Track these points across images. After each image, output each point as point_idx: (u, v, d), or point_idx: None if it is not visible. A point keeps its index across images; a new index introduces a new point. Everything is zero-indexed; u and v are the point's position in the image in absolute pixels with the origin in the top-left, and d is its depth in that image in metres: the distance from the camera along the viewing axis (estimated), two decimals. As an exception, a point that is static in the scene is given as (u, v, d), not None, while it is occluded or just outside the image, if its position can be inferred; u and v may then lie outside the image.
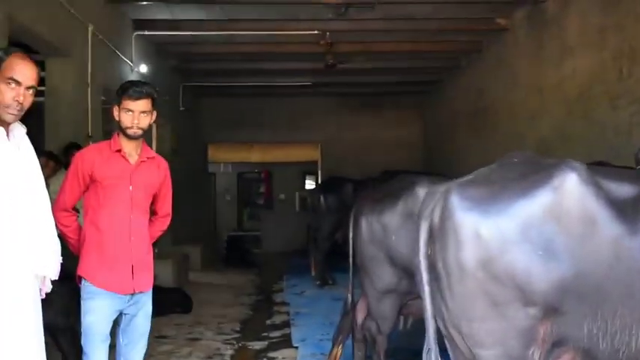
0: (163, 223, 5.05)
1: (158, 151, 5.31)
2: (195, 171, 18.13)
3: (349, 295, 6.33)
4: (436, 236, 3.70)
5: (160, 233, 5.07)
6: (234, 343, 8.45)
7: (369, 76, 16.85)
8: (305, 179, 23.16)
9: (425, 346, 3.78)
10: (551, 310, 3.49)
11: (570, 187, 3.52)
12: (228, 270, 15.80)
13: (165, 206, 5.00)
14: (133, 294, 4.61)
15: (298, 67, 15.59)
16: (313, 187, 19.97)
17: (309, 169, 22.22)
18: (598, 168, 3.88)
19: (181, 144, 15.66)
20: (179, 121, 15.72)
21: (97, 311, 4.53)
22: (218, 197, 23.56)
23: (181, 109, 15.90)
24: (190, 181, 16.81)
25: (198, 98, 18.71)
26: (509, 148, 9.25)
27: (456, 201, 3.63)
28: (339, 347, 6.37)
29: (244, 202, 24.94)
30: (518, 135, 11.54)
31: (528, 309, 3.49)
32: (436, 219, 3.71)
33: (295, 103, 19.57)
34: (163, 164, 4.94)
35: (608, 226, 3.50)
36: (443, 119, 17.66)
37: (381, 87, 18.50)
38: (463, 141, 15.37)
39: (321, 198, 12.93)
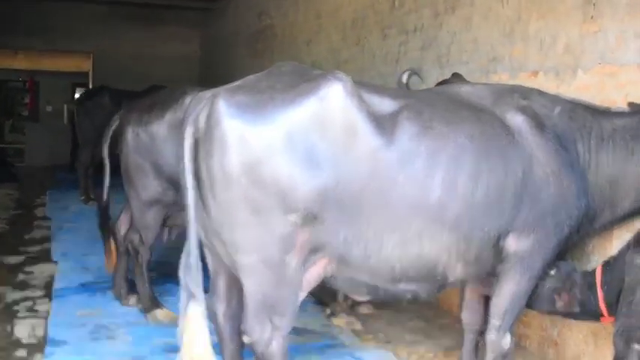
0: None
1: None
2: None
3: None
4: (201, 142, 3.65)
5: None
6: (-12, 257, 7.93)
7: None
8: (75, 91, 22.03)
9: (183, 255, 3.75)
10: (310, 218, 3.62)
11: (335, 98, 3.64)
12: (-14, 185, 14.66)
13: None
14: None
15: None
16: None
17: (80, 80, 21.11)
18: (363, 82, 4.01)
19: None
20: None
21: None
22: (-24, 107, 21.74)
23: None
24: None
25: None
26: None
27: (222, 107, 3.59)
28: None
29: (7, 113, 23.23)
30: (295, 58, 11.63)
31: (288, 216, 3.59)
32: (202, 124, 3.65)
33: (67, 9, 18.25)
34: None
35: (368, 138, 3.67)
36: (223, 38, 17.46)
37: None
38: (242, 60, 15.34)
39: (80, 109, 12.36)
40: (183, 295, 3.72)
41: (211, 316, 4.03)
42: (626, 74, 5.21)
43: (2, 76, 22.69)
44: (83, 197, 11.95)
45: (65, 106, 20.82)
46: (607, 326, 4.24)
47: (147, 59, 18.69)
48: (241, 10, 15.87)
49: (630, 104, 4.36)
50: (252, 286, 3.68)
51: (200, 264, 3.73)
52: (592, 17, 5.51)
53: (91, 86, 19.38)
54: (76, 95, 21.67)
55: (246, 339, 3.77)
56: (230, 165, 3.54)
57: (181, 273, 3.72)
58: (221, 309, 4.02)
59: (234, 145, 3.54)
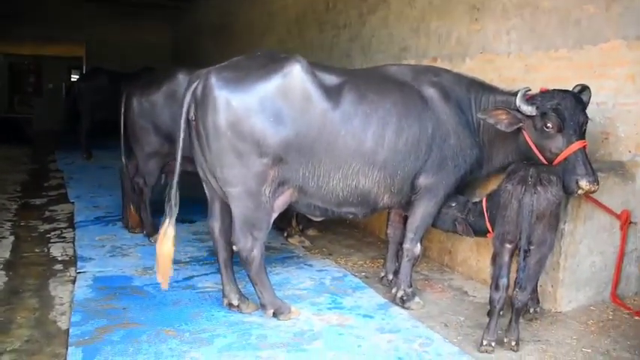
0: None
1: None
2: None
3: (123, 159, 6.20)
4: (199, 106, 3.87)
5: None
6: (18, 200, 7.87)
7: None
8: (71, 72, 21.40)
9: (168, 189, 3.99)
10: (278, 160, 3.90)
11: (295, 74, 3.91)
12: (3, 145, 14.20)
13: None
14: None
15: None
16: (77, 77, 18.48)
17: (75, 63, 20.52)
18: (317, 63, 4.24)
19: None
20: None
21: None
22: (-11, 84, 20.89)
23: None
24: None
25: (-30, -9, 15.98)
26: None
27: (213, 80, 3.84)
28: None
29: (16, 89, 22.39)
30: (252, 46, 11.68)
31: (262, 159, 3.86)
32: (199, 93, 3.87)
33: (65, 5, 17.60)
34: None
35: (319, 103, 3.94)
36: (190, 31, 17.21)
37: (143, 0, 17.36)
38: (208, 49, 15.18)
39: (82, 85, 12.14)
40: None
41: (210, 232, 4.27)
42: (500, 60, 5.58)
43: (12, 60, 21.81)
44: (85, 155, 11.79)
45: (63, 84, 20.17)
46: (485, 239, 4.51)
47: (128, 47, 18.21)
48: (205, 9, 15.65)
49: (542, 89, 4.09)
50: (238, 209, 3.93)
51: (178, 198, 3.94)
52: (476, 19, 5.85)
53: (84, 68, 18.87)
54: (72, 74, 21.04)
55: (234, 247, 4.01)
56: (219, 123, 3.78)
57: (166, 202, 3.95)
58: (216, 227, 4.21)
59: (222, 108, 3.77)
